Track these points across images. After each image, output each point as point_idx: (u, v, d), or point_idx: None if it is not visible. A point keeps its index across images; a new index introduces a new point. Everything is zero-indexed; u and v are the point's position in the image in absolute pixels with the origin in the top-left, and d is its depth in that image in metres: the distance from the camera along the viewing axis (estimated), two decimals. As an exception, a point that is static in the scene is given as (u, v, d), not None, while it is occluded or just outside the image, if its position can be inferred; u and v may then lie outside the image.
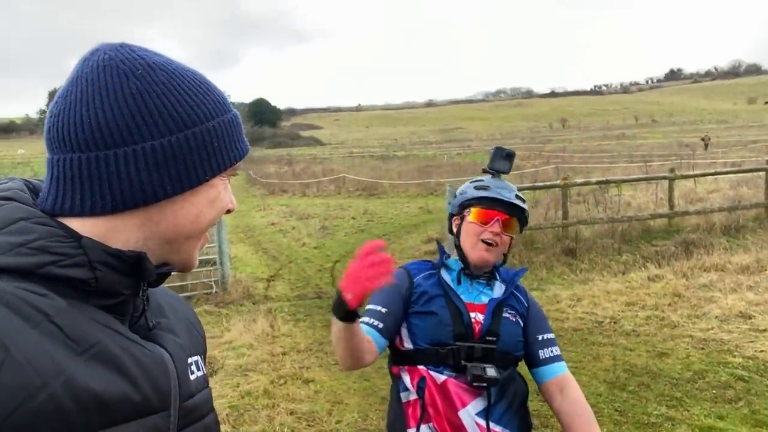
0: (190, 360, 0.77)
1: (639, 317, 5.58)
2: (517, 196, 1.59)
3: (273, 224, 14.20)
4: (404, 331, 1.57)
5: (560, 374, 1.54)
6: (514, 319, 1.58)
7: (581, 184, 9.70)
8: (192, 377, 0.75)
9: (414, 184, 20.21)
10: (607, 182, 10.03)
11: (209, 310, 6.56)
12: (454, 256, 1.65)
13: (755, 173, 11.36)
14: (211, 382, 0.78)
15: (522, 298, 1.65)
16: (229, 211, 0.77)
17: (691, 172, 12.37)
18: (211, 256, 7.31)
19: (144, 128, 0.66)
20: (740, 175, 12.46)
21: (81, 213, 0.65)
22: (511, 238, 1.60)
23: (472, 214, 1.58)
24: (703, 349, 4.69)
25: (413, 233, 11.67)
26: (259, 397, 4.23)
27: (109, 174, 0.65)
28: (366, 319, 1.51)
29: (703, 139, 30.49)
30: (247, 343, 5.35)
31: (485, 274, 1.61)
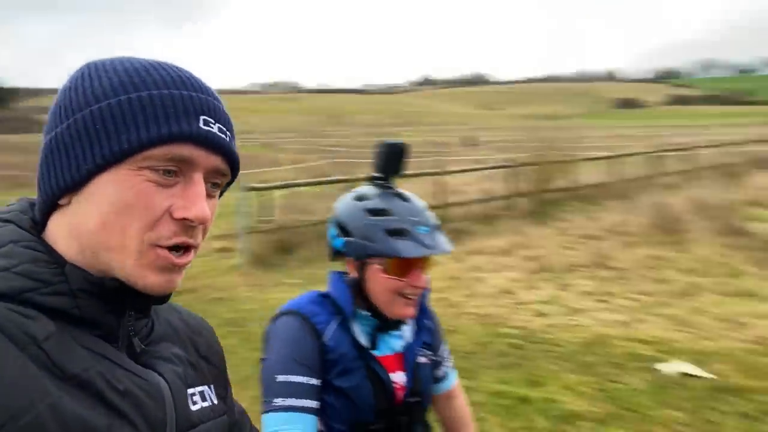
0: (192, 390, 0.74)
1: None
2: (438, 226, 1.26)
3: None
4: None
5: (452, 386, 1.48)
6: (428, 361, 1.38)
7: (363, 180, 10.21)
8: (194, 408, 0.73)
9: (191, 177, 18.86)
10: (389, 177, 10.81)
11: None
12: (362, 306, 1.29)
13: (497, 170, 13.44)
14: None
15: (428, 322, 1.42)
16: (187, 221, 0.63)
17: (453, 168, 14.08)
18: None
19: (49, 127, 0.66)
20: (486, 172, 14.64)
21: (41, 222, 0.67)
22: None
23: (387, 268, 1.22)
24: (482, 323, 5.41)
25: (197, 230, 10.95)
26: None
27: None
28: (300, 402, 1.15)
29: (464, 139, 35.03)
30: None
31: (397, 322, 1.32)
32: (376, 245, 1.20)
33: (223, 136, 0.66)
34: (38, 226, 0.67)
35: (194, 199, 0.63)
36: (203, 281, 7.38)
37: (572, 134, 12.64)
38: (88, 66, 0.67)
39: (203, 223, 0.64)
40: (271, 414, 1.15)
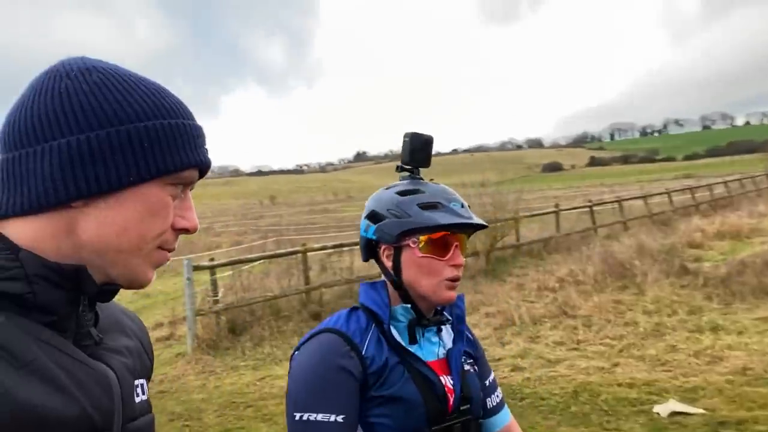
0: (136, 382, 0.75)
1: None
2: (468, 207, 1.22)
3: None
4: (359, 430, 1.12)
5: (507, 423, 1.30)
6: (473, 370, 1.26)
7: (318, 249, 9.97)
8: (137, 399, 0.74)
9: (125, 267, 17.85)
10: (341, 246, 10.54)
11: None
12: (399, 303, 1.19)
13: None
14: None
15: (468, 334, 1.32)
16: (186, 231, 0.73)
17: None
18: None
19: (64, 124, 0.64)
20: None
21: (6, 214, 0.65)
22: None
23: (423, 245, 1.15)
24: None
25: (136, 320, 10.14)
26: None
27: (27, 171, 0.64)
28: None
29: None
30: None
31: (435, 317, 1.22)
32: (411, 219, 1.15)
33: None
34: None
35: (191, 212, 0.74)
36: (147, 373, 6.66)
37: (508, 197, 12.97)
38: (94, 68, 0.67)
39: (196, 231, 0.74)
40: None
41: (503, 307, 7.50)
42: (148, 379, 0.83)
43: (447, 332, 1.26)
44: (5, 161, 0.65)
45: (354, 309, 1.21)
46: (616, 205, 17.60)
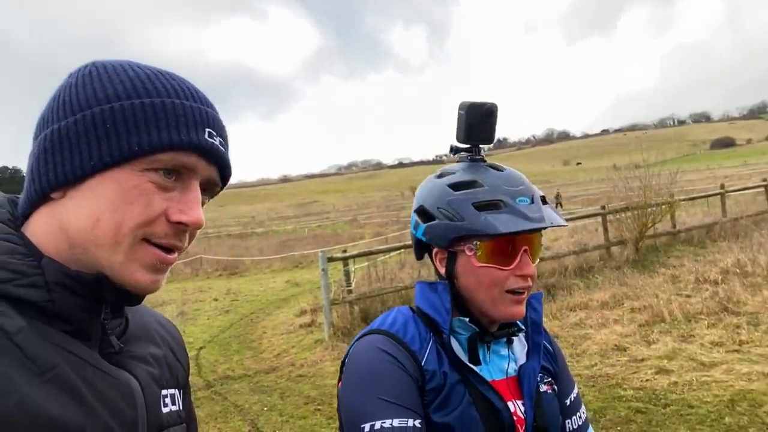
0: (164, 392, 0.74)
1: (527, 364, 5.53)
2: (543, 198, 1.01)
3: (121, 316, 12.51)
4: None
5: None
6: (551, 390, 1.08)
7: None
8: (165, 410, 0.73)
9: (277, 258, 19.51)
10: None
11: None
12: (456, 315, 1.03)
13: (592, 219, 12.62)
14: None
15: (548, 345, 1.13)
16: (184, 225, 0.66)
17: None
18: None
19: (48, 118, 0.65)
20: (578, 222, 13.80)
21: (21, 214, 0.67)
22: None
23: (481, 253, 0.97)
24: (594, 386, 4.72)
25: (284, 308, 11.00)
26: None
27: (28, 168, 0.66)
28: None
29: (556, 196, 33.54)
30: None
31: (501, 331, 1.05)
32: (464, 223, 0.96)
33: (223, 149, 0.70)
34: (17, 220, 0.67)
35: (192, 205, 0.66)
36: (286, 358, 7.18)
37: (667, 179, 11.64)
38: (95, 65, 0.67)
39: (198, 227, 0.67)
40: None
41: (651, 301, 6.79)
42: (182, 389, 0.81)
43: (520, 342, 1.08)
44: None
45: (411, 310, 1.07)
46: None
